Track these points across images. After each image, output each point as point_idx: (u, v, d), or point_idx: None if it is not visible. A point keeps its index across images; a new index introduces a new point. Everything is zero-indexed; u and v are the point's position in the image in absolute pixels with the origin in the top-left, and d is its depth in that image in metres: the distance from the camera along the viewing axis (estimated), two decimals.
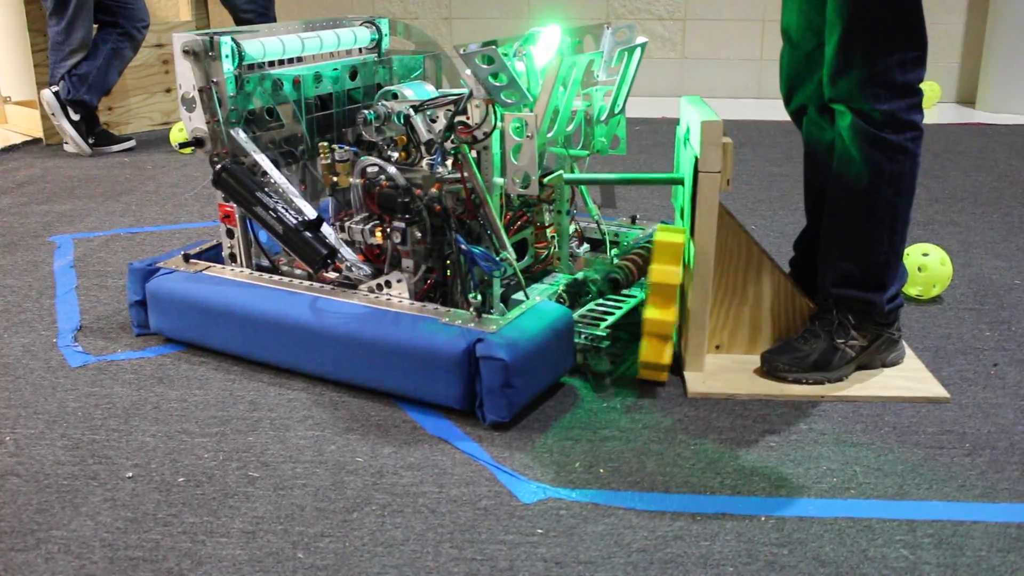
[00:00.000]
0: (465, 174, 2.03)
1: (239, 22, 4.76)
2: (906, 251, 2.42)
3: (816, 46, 2.07)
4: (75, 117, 4.47)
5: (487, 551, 1.56)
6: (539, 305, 2.08)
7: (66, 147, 4.58)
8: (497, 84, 1.97)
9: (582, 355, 2.14)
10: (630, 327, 2.23)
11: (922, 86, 2.00)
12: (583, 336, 2.13)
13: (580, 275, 2.22)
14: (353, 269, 2.17)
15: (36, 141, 4.83)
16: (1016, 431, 1.93)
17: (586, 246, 2.55)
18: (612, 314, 2.21)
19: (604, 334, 2.12)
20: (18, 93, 5.27)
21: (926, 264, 2.55)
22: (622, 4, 5.87)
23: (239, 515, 1.65)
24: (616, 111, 2.37)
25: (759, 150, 4.51)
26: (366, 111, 2.17)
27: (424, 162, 2.11)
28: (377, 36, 2.59)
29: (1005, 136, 4.84)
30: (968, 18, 5.75)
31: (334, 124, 2.45)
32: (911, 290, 2.57)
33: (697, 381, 2.11)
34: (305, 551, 1.56)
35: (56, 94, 4.41)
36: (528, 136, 2.01)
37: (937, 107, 5.63)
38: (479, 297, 2.03)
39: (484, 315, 2.00)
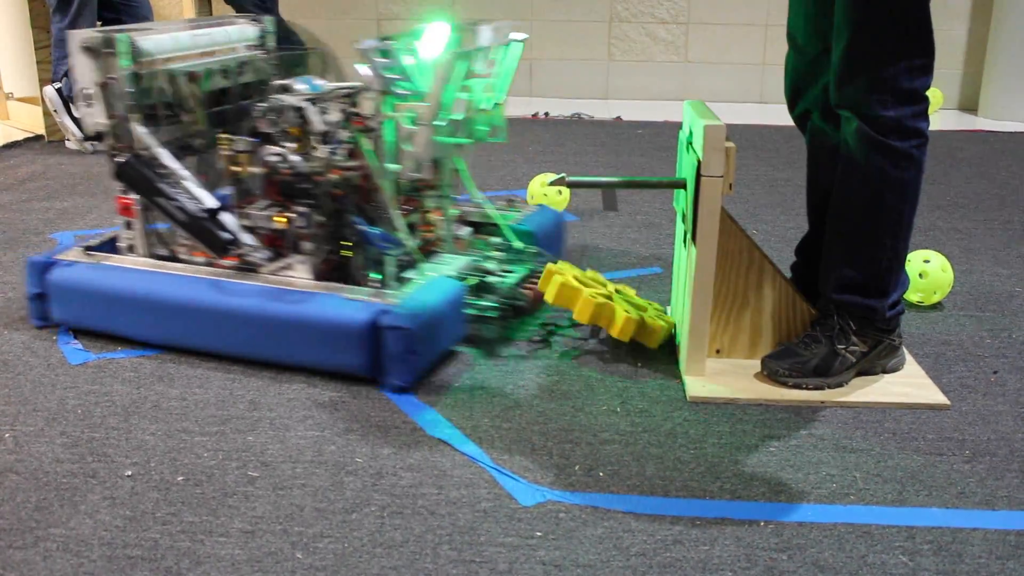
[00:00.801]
0: (361, 162, 2.21)
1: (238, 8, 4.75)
2: (907, 257, 2.42)
3: (822, 51, 2.07)
4: (77, 114, 4.47)
5: (486, 553, 1.55)
6: (434, 280, 2.23)
7: (68, 144, 4.58)
8: (392, 76, 2.15)
9: (475, 325, 2.33)
10: (516, 299, 2.40)
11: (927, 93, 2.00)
12: (474, 307, 2.31)
13: (492, 281, 2.40)
14: (253, 254, 2.28)
15: (38, 138, 4.83)
16: (1016, 438, 1.93)
17: (468, 228, 2.69)
18: (500, 287, 2.38)
19: (494, 305, 2.31)
20: (20, 89, 5.28)
21: (927, 271, 2.55)
22: (624, 7, 5.87)
23: (238, 515, 1.65)
24: (496, 102, 2.51)
25: (761, 155, 4.51)
26: (261, 104, 2.28)
27: (322, 151, 2.22)
28: (263, 33, 2.73)
29: (1007, 143, 4.84)
30: (971, 24, 5.76)
31: (229, 117, 2.54)
32: (912, 296, 2.57)
33: (697, 385, 2.11)
34: (304, 551, 1.56)
35: (59, 91, 4.41)
36: (421, 125, 2.20)
37: (939, 114, 5.63)
38: (378, 275, 2.20)
39: (383, 290, 2.15)
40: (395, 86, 2.17)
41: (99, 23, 4.49)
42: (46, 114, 4.68)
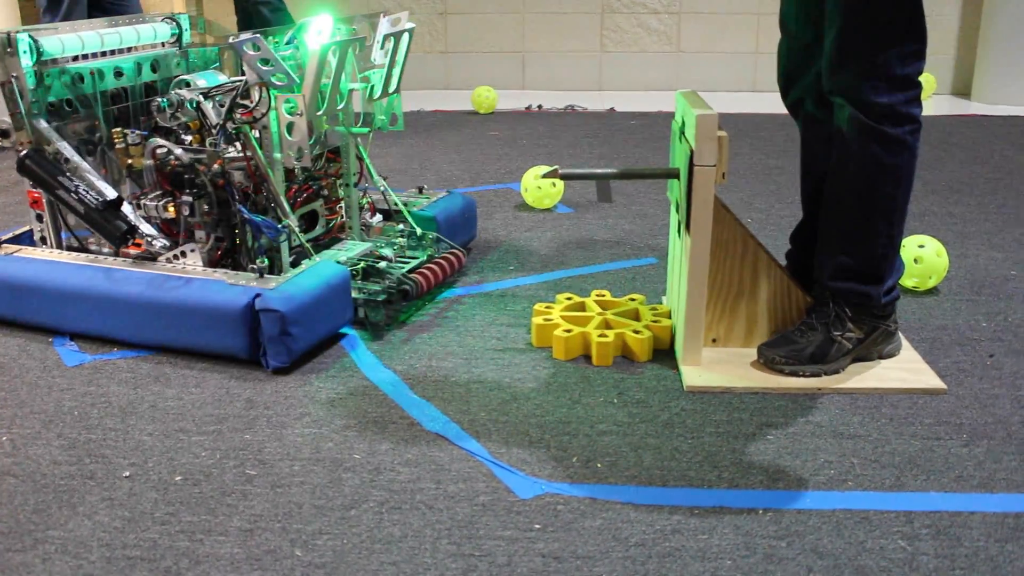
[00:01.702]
0: (248, 152, 2.29)
1: (251, 14, 4.74)
2: (902, 243, 2.42)
3: (814, 38, 2.07)
4: None
5: (485, 547, 1.56)
6: (317, 265, 2.31)
7: None
8: (266, 68, 2.26)
9: (363, 308, 2.38)
10: (404, 285, 2.44)
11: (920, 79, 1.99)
12: (363, 292, 2.37)
13: (381, 266, 2.48)
14: (153, 243, 2.38)
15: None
16: (1013, 421, 1.93)
17: (379, 216, 2.80)
18: (389, 272, 2.46)
19: (380, 288, 2.37)
20: None
21: (922, 256, 2.55)
22: None
23: (237, 513, 1.65)
24: (390, 91, 2.62)
25: (755, 143, 4.51)
26: (160, 99, 2.39)
27: (207, 141, 2.34)
28: (177, 31, 2.81)
29: (1001, 127, 4.84)
30: (963, 10, 5.75)
31: (131, 113, 2.64)
32: (907, 282, 2.57)
33: (694, 375, 2.11)
34: (303, 549, 1.56)
35: None
36: (299, 114, 2.31)
37: (933, 99, 5.63)
38: (265, 261, 2.30)
39: (266, 275, 2.24)
40: (272, 78, 2.27)
41: None
42: None
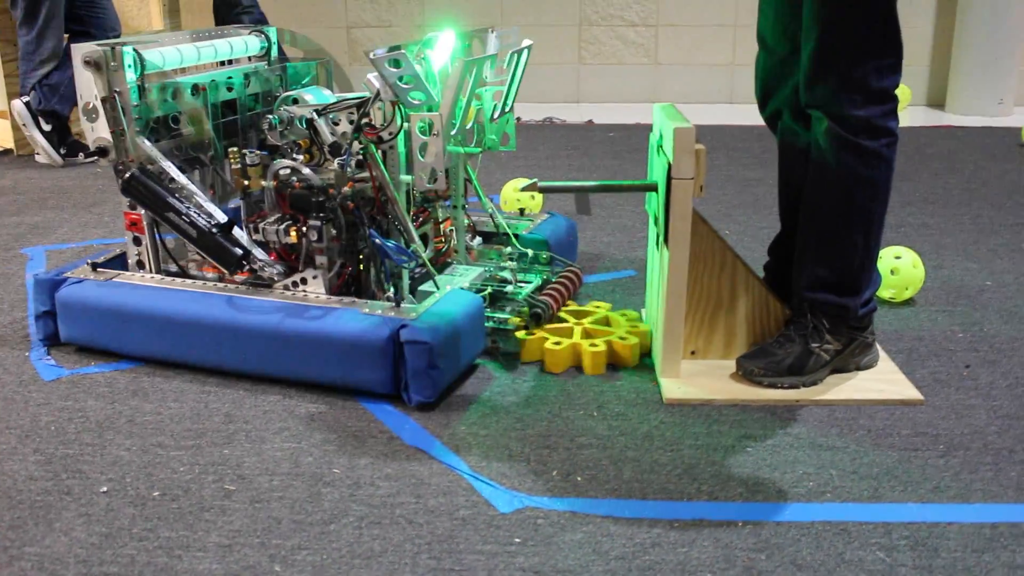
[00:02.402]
0: (374, 173, 2.18)
1: (229, 21, 4.75)
2: (879, 254, 2.44)
3: (791, 51, 2.08)
4: (47, 127, 4.43)
5: (465, 561, 1.55)
6: (451, 293, 2.20)
7: (37, 158, 4.54)
8: (404, 86, 2.13)
9: (491, 338, 2.30)
10: (535, 307, 2.35)
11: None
12: (493, 320, 2.31)
13: (507, 291, 2.41)
14: (266, 269, 2.25)
15: (7, 152, 4.79)
16: (989, 432, 1.95)
17: (479, 239, 2.69)
18: (516, 297, 2.39)
19: (511, 315, 2.32)
20: None
21: (898, 267, 2.57)
22: (594, 10, 5.88)
23: (215, 529, 1.64)
24: (506, 110, 2.52)
25: (732, 155, 4.53)
26: (270, 116, 2.27)
27: (335, 163, 2.20)
28: (266, 44, 2.72)
29: (975, 138, 4.88)
30: (936, 21, 5.81)
31: (238, 129, 2.53)
32: (884, 293, 2.59)
33: (673, 387, 2.11)
34: (282, 564, 1.55)
35: (27, 104, 4.38)
36: (434, 134, 2.15)
37: (907, 110, 5.68)
38: (393, 288, 2.19)
39: (401, 304, 2.12)
40: (407, 96, 2.15)
41: (66, 36, 4.46)
42: (15, 128, 4.64)
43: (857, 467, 1.82)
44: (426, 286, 2.28)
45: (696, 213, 2.07)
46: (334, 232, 2.20)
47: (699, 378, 2.16)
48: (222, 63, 2.59)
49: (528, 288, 2.43)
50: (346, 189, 2.19)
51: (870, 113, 1.98)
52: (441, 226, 2.51)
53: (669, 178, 2.03)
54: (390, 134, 2.18)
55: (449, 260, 2.55)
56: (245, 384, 2.17)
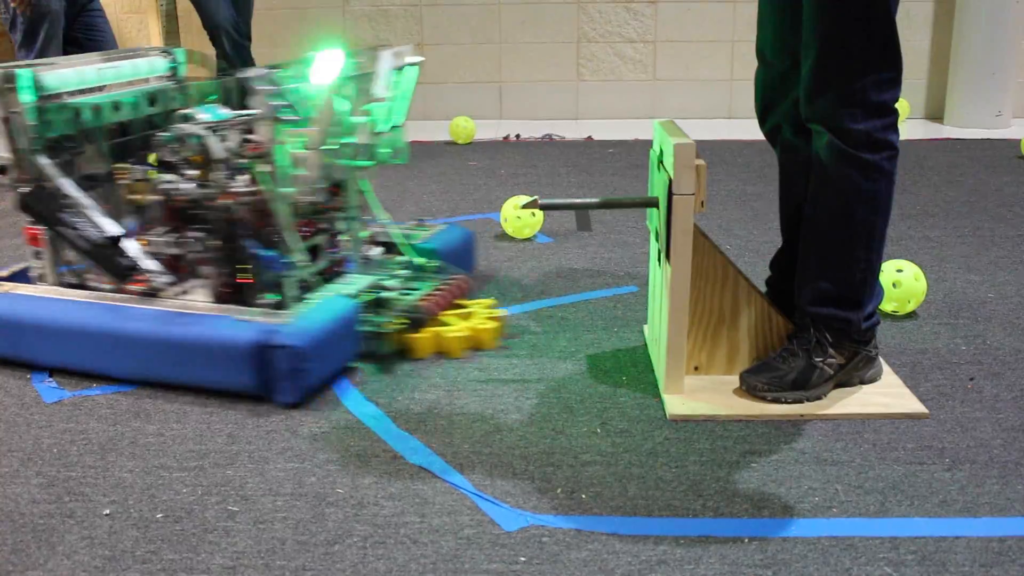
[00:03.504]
0: (256, 187, 2.29)
1: (219, 42, 4.77)
2: (881, 268, 2.44)
3: (791, 66, 2.09)
4: None
5: None
6: (328, 300, 2.31)
7: None
8: (277, 104, 2.27)
9: (369, 341, 2.37)
10: (414, 313, 2.44)
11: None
12: (370, 324, 2.36)
13: (387, 296, 2.48)
14: (157, 279, 2.37)
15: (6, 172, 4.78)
16: (995, 444, 1.94)
17: (380, 248, 2.77)
18: (396, 303, 2.46)
19: (387, 320, 2.37)
20: None
21: (900, 280, 2.57)
22: (592, 28, 5.90)
23: (219, 550, 1.63)
24: (395, 124, 2.60)
25: (732, 170, 4.54)
26: (163, 133, 2.37)
27: (215, 177, 2.32)
28: (174, 64, 2.84)
29: (974, 151, 4.89)
30: (934, 34, 5.82)
31: (134, 147, 2.62)
32: (886, 306, 2.58)
33: (677, 403, 2.11)
34: None
35: None
36: (310, 149, 2.28)
37: (906, 123, 5.69)
38: (274, 296, 2.31)
39: (277, 310, 2.24)
40: (282, 113, 2.28)
41: None
42: None
43: (863, 482, 1.81)
44: (311, 295, 2.40)
45: (697, 228, 2.07)
46: (214, 243, 2.33)
47: (703, 394, 2.15)
48: (128, 84, 2.70)
49: (413, 296, 2.51)
50: (225, 202, 2.30)
51: (870, 127, 1.98)
52: (336, 237, 2.62)
53: (670, 194, 2.03)
54: (269, 150, 2.29)
55: (344, 270, 2.64)
56: (247, 405, 2.16)
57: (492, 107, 6.07)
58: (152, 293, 2.37)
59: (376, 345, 2.37)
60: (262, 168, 2.28)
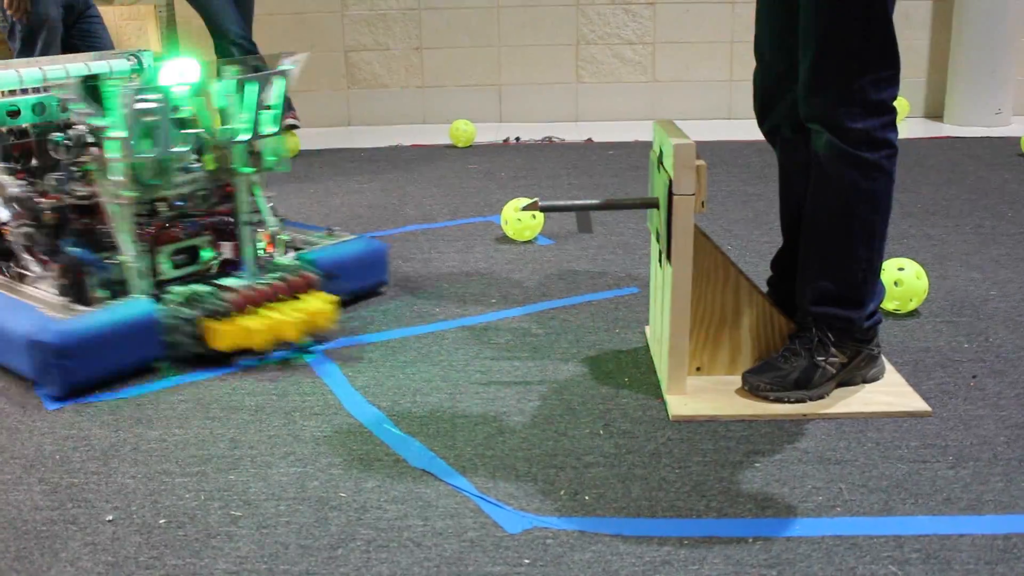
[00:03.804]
0: (89, 188, 2.47)
1: (226, 51, 4.77)
2: (882, 266, 2.43)
3: (789, 65, 2.09)
4: None
5: None
6: (128, 302, 2.40)
7: None
8: (85, 112, 2.43)
9: (170, 335, 2.40)
10: (214, 308, 2.44)
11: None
12: (171, 317, 2.40)
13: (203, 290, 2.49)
14: (5, 272, 2.60)
15: None
16: (998, 442, 1.93)
17: (293, 253, 2.77)
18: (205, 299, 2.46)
19: (186, 315, 2.39)
20: None
21: (902, 278, 2.57)
22: (591, 30, 5.90)
23: (222, 555, 1.63)
24: (268, 132, 2.62)
25: (732, 170, 4.54)
26: (57, 135, 2.52)
27: (51, 177, 2.51)
28: (139, 67, 2.93)
29: (974, 148, 4.88)
30: (932, 33, 5.82)
31: (32, 150, 2.76)
32: (888, 305, 2.58)
33: (679, 404, 2.11)
34: None
35: None
36: (121, 154, 2.36)
37: (906, 122, 5.68)
38: (104, 293, 2.43)
39: (75, 307, 2.36)
40: (93, 120, 2.43)
41: None
42: None
43: (866, 480, 1.81)
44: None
45: (698, 229, 2.06)
46: (42, 239, 2.50)
47: (705, 394, 2.15)
48: (36, 90, 2.79)
49: (225, 292, 2.48)
50: (48, 201, 2.47)
51: (869, 125, 1.98)
52: (207, 239, 2.66)
53: (670, 194, 2.02)
54: (94, 155, 2.42)
55: (232, 273, 2.65)
56: (250, 409, 2.16)
57: (492, 110, 6.07)
58: (17, 279, 2.57)
59: (183, 338, 2.39)
60: (100, 171, 2.42)
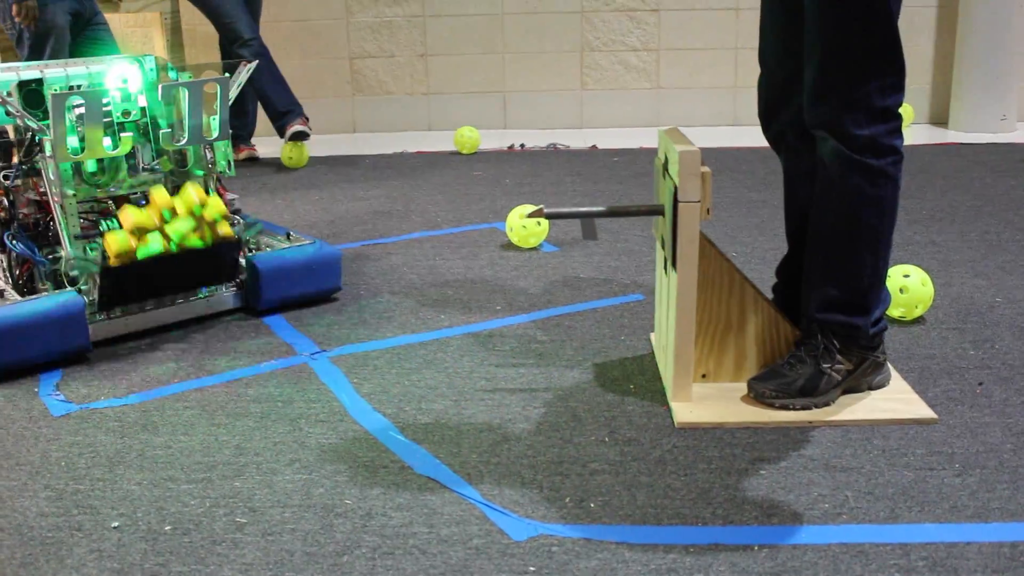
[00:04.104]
0: (41, 188, 2.62)
1: (230, 55, 4.78)
2: (887, 273, 2.43)
3: (794, 72, 2.09)
4: None
5: None
6: (51, 295, 2.50)
7: None
8: (18, 113, 2.53)
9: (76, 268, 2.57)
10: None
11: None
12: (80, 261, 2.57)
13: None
14: None
15: None
16: (1005, 449, 1.93)
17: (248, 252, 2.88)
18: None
19: (90, 257, 2.56)
20: None
21: (907, 285, 2.56)
22: (595, 36, 5.91)
23: (228, 563, 1.63)
24: (216, 137, 2.76)
25: (737, 177, 4.53)
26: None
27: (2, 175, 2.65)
28: (156, 71, 2.97)
29: (979, 155, 4.88)
30: (937, 39, 5.82)
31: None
32: (894, 312, 2.58)
33: (684, 411, 2.10)
34: None
35: None
36: (49, 156, 2.51)
37: (911, 128, 5.68)
38: (48, 284, 2.59)
39: (9, 296, 2.56)
40: (25, 121, 2.53)
41: None
42: None
43: (872, 488, 1.81)
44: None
45: (703, 236, 2.06)
46: None
47: (710, 401, 2.14)
48: None
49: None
50: None
51: (874, 132, 1.98)
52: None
53: (675, 201, 2.02)
54: (35, 154, 2.57)
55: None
56: (255, 416, 2.16)
57: (496, 117, 6.08)
58: None
59: (86, 264, 2.56)
60: (44, 168, 2.55)
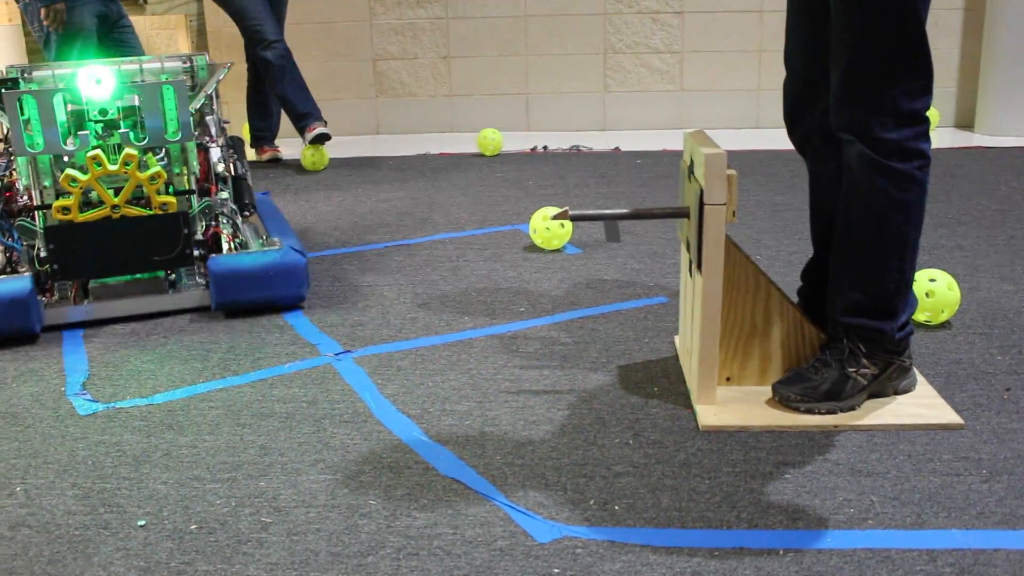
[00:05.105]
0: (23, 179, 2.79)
1: (256, 56, 4.82)
2: (914, 277, 2.42)
3: (820, 75, 2.08)
4: None
5: None
6: (9, 280, 2.67)
7: None
8: None
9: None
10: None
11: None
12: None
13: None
14: None
15: None
16: None
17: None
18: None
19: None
20: None
21: (934, 289, 2.55)
22: (619, 39, 5.91)
23: (253, 562, 1.64)
24: (174, 139, 2.86)
25: (761, 180, 4.52)
26: None
27: None
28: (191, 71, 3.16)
29: (1006, 159, 4.84)
30: (963, 42, 5.78)
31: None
32: (920, 316, 2.56)
33: (709, 414, 2.10)
34: None
35: None
36: (10, 151, 2.76)
37: (936, 132, 5.64)
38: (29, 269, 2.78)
39: None
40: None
41: None
42: None
43: (899, 493, 1.80)
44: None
45: (728, 239, 2.06)
46: None
47: (735, 404, 2.14)
48: None
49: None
50: None
51: (902, 136, 1.97)
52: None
53: (701, 204, 2.02)
54: (11, 149, 2.75)
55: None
56: (280, 416, 2.17)
57: (519, 119, 6.08)
58: None
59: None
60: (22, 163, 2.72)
